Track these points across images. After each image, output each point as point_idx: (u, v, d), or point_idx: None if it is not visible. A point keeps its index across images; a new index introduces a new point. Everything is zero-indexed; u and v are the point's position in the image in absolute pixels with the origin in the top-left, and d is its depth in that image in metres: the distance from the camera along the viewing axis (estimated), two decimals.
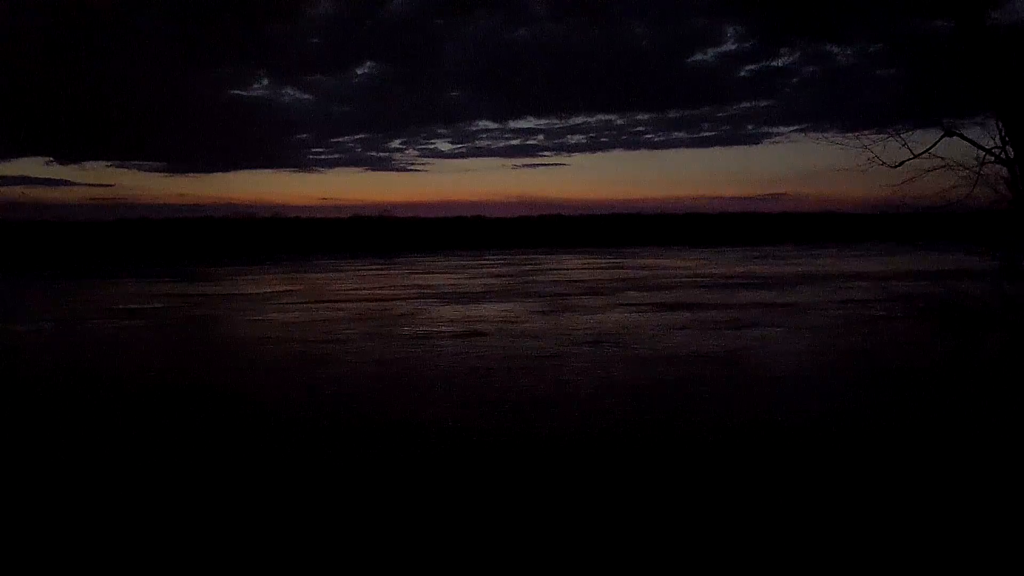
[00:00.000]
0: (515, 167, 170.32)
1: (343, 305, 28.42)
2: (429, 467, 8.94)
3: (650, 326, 20.62)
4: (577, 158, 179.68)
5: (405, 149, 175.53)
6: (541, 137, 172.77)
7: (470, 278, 42.96)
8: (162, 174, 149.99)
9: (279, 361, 16.66)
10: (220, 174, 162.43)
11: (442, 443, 9.87)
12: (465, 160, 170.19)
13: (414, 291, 34.49)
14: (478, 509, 7.55)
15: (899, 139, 12.22)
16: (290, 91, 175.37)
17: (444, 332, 20.44)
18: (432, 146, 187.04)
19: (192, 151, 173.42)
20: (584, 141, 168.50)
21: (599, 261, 60.46)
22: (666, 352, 16.45)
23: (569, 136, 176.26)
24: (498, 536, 6.88)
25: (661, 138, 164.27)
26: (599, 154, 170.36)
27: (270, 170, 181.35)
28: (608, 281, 38.35)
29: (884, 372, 14.01)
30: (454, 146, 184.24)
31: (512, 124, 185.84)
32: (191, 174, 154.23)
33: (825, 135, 13.26)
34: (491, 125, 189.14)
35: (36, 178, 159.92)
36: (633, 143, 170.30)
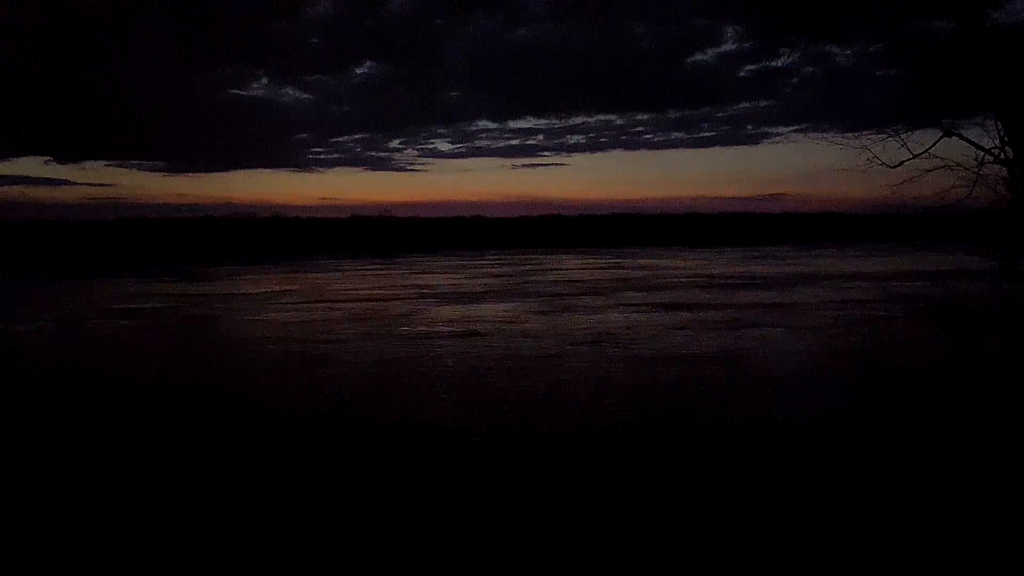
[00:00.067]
0: (515, 167, 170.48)
1: (342, 305, 28.42)
2: (428, 467, 8.93)
3: (650, 326, 20.62)
4: (577, 158, 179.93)
5: (405, 149, 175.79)
6: (541, 137, 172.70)
7: (469, 278, 42.96)
8: (161, 174, 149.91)
9: (278, 361, 16.66)
10: (220, 174, 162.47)
11: (441, 443, 9.86)
12: (465, 160, 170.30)
13: (414, 291, 34.49)
14: (478, 509, 7.55)
15: (899, 139, 12.23)
16: (290, 91, 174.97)
17: (443, 332, 20.43)
18: (432, 146, 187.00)
19: (192, 151, 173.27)
20: (584, 141, 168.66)
21: (599, 261, 60.46)
22: (666, 352, 16.45)
23: (569, 136, 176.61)
24: (498, 536, 6.88)
25: (661, 138, 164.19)
26: (599, 154, 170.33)
27: (270, 170, 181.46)
28: (608, 281, 38.35)
29: (884, 372, 14.01)
30: (454, 146, 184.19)
31: (512, 124, 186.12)
32: (191, 174, 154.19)
33: (825, 135, 13.27)
34: (491, 125, 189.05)
35: (35, 178, 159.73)
36: (633, 143, 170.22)
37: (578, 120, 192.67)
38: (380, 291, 34.87)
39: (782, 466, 8.70)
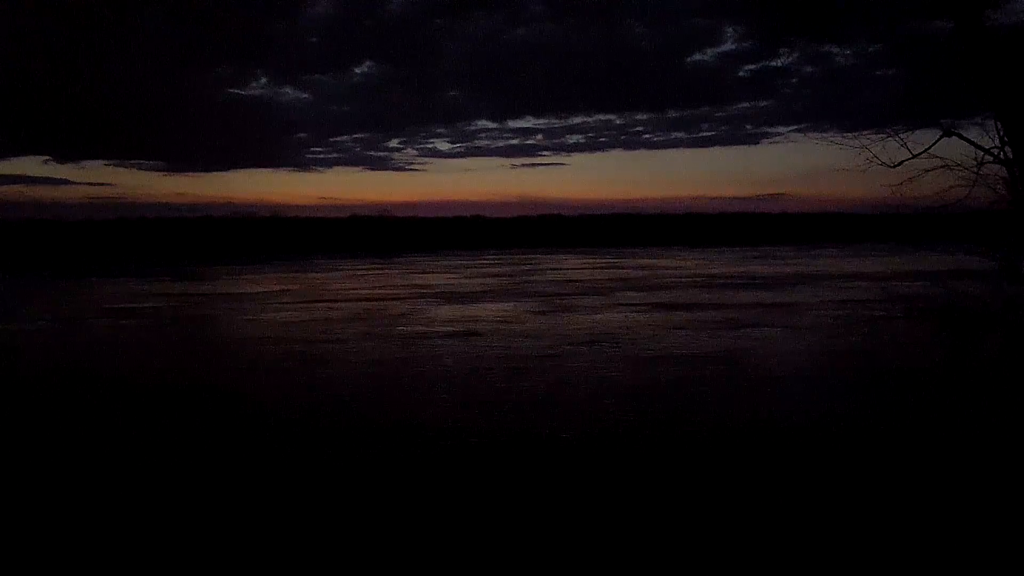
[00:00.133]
0: (514, 167, 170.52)
1: (342, 304, 28.41)
2: (428, 467, 8.92)
3: (649, 326, 20.61)
4: (576, 158, 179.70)
5: (404, 149, 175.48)
6: (540, 137, 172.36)
7: (469, 278, 42.95)
8: (161, 173, 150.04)
9: (278, 360, 16.64)
10: (219, 173, 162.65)
11: (441, 443, 9.85)
12: (464, 160, 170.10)
13: (413, 291, 34.48)
14: (477, 509, 7.54)
15: (898, 139, 12.26)
16: (289, 90, 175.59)
17: (443, 332, 20.42)
18: (431, 146, 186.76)
19: (191, 150, 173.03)
20: (583, 141, 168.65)
21: (598, 261, 60.44)
22: (665, 352, 16.44)
23: (568, 136, 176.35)
24: (497, 536, 6.87)
25: (660, 138, 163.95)
26: (598, 154, 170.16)
27: (269, 169, 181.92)
28: (607, 281, 38.34)
29: (884, 372, 13.99)
30: (453, 146, 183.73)
31: (511, 124, 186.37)
32: (190, 173, 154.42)
33: (824, 135, 13.32)
34: (490, 125, 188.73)
35: (35, 177, 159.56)
36: (632, 143, 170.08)
37: (577, 120, 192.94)
38: (379, 291, 34.86)
39: (782, 466, 8.69)
